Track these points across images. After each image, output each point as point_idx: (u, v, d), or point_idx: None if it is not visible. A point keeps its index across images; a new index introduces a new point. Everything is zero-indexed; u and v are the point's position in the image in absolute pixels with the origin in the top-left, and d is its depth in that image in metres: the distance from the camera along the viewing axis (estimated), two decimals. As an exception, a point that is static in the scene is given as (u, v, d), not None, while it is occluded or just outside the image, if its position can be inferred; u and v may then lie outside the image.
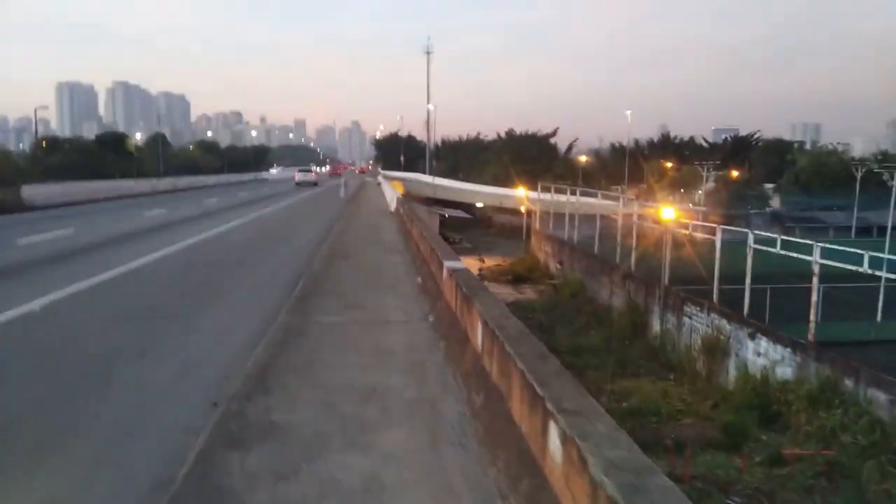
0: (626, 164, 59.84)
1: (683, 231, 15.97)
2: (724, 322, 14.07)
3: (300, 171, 59.13)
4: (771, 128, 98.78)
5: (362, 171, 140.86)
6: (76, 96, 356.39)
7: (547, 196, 29.46)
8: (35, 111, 39.15)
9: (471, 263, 33.00)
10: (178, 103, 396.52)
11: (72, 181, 34.79)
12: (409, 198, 35.72)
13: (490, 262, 32.55)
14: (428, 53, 73.63)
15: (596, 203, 25.19)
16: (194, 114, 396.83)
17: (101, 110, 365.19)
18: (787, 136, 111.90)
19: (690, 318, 15.42)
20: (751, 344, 13.08)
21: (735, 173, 61.66)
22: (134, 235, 17.02)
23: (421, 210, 34.47)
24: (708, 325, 14.57)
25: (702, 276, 16.91)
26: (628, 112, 68.97)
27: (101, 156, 52.91)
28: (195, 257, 13.62)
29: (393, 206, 25.78)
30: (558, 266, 26.05)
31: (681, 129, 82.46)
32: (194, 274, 11.83)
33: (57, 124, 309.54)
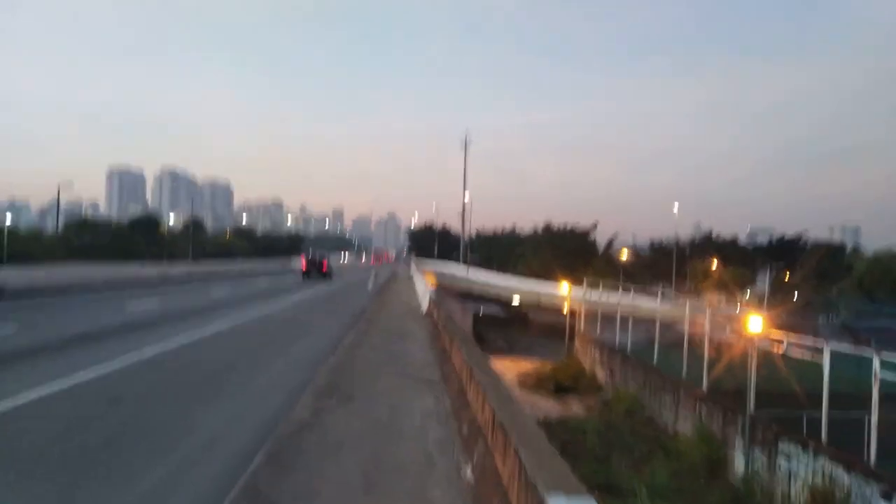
0: (673, 263, 56.95)
1: (776, 346, 13.09)
2: (839, 471, 10.97)
3: (308, 258, 45.82)
4: (808, 229, 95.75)
5: (386, 260, 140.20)
6: (125, 181, 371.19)
7: (594, 295, 26.77)
8: (58, 189, 38.57)
9: (507, 366, 30.11)
10: (222, 191, 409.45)
11: (82, 263, 33.13)
12: (441, 290, 33.40)
13: (528, 365, 29.56)
14: (465, 146, 73.41)
15: (652, 306, 22.38)
16: (237, 201, 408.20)
17: (148, 195, 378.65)
18: (824, 238, 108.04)
19: (788, 459, 12.30)
20: (885, 506, 9.93)
21: (787, 277, 58.22)
22: (78, 340, 12.79)
23: (454, 305, 32.04)
24: (816, 472, 11.45)
25: (785, 399, 13.99)
26: (675, 205, 66.59)
27: (132, 238, 52.21)
28: (123, 390, 8.73)
29: (425, 305, 21.88)
30: (608, 376, 23.02)
31: (715, 229, 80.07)
32: (96, 430, 6.73)
33: (105, 208, 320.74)
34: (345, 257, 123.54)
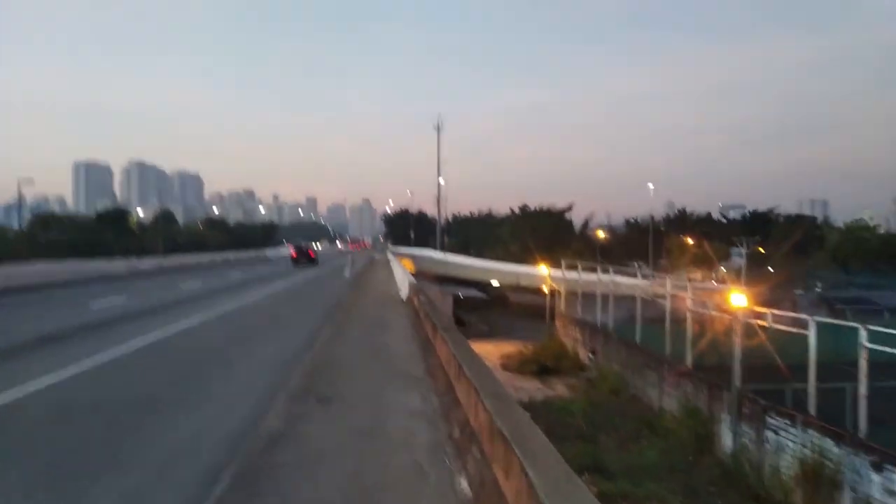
0: (650, 240, 57.16)
1: (759, 322, 12.95)
2: (829, 443, 10.89)
3: (297, 247, 52.34)
4: (777, 204, 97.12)
5: (364, 247, 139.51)
6: (92, 175, 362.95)
7: (573, 275, 26.61)
8: (19, 185, 37.22)
9: (489, 350, 29.87)
10: (192, 182, 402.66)
11: (46, 261, 31.93)
12: (419, 276, 33.00)
13: (510, 347, 29.36)
14: (438, 129, 72.74)
15: (632, 283, 22.27)
16: (208, 192, 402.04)
17: (117, 188, 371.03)
18: (795, 212, 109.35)
19: (777, 432, 12.22)
20: (876, 477, 9.85)
21: (761, 250, 58.84)
22: (25, 346, 11.61)
23: (433, 290, 31.67)
24: (805, 445, 11.37)
25: (767, 372, 13.95)
26: (650, 185, 66.84)
27: (100, 233, 50.81)
28: (68, 402, 7.70)
29: (405, 291, 20.80)
30: (590, 356, 22.91)
31: (688, 206, 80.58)
32: (30, 453, 5.94)
33: (72, 202, 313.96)
34: (318, 245, 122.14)
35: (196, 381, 9.24)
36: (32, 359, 10.44)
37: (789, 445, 11.78)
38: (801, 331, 12.15)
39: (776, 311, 12.73)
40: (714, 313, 14.78)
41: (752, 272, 43.87)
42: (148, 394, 8.18)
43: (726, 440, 13.86)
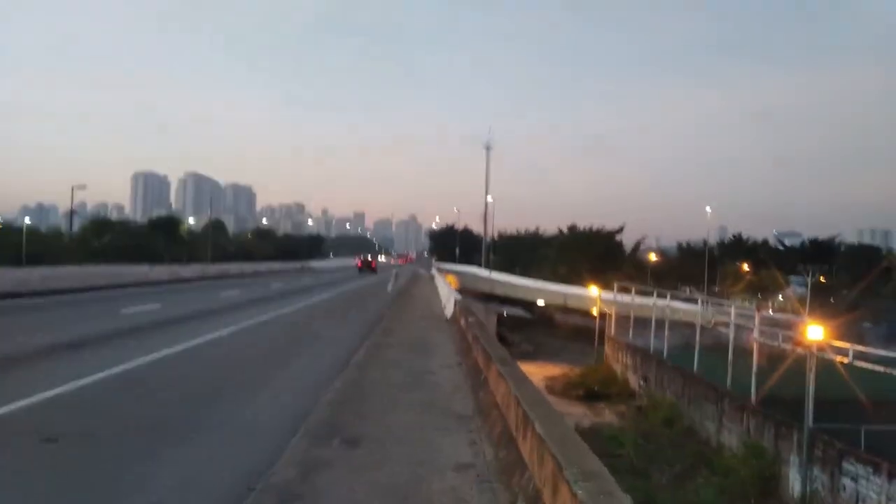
0: (705, 265, 55.13)
1: (839, 358, 11.76)
2: (920, 497, 9.65)
3: (363, 259, 66.88)
4: (834, 232, 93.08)
5: (409, 261, 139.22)
6: (150, 184, 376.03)
7: (626, 298, 25.46)
8: (72, 191, 38.12)
9: (533, 371, 28.77)
10: (245, 193, 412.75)
11: (94, 264, 32.26)
12: (463, 292, 32.30)
13: (555, 369, 28.29)
14: (487, 146, 72.29)
15: (690, 309, 21.06)
16: (260, 204, 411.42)
17: (172, 198, 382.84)
18: (856, 242, 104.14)
19: (855, 480, 10.98)
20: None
21: (822, 279, 56.15)
22: (34, 355, 10.64)
23: (477, 307, 30.90)
24: (892, 499, 10.13)
25: (835, 410, 12.70)
26: (708, 209, 64.72)
27: (152, 239, 51.83)
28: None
29: (450, 309, 19.49)
30: (642, 383, 21.70)
31: (741, 232, 77.55)
32: None
33: (130, 210, 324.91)
34: (381, 258, 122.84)
35: (205, 406, 7.95)
36: (22, 372, 9.26)
37: (871, 497, 10.55)
38: (889, 370, 10.93)
39: (860, 347, 11.53)
40: (786, 346, 13.58)
41: (814, 302, 41.67)
42: (139, 424, 6.84)
43: (794, 484, 12.63)
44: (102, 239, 50.32)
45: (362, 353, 12.09)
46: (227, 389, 9.04)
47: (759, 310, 15.63)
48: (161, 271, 34.19)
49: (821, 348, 12.34)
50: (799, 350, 12.87)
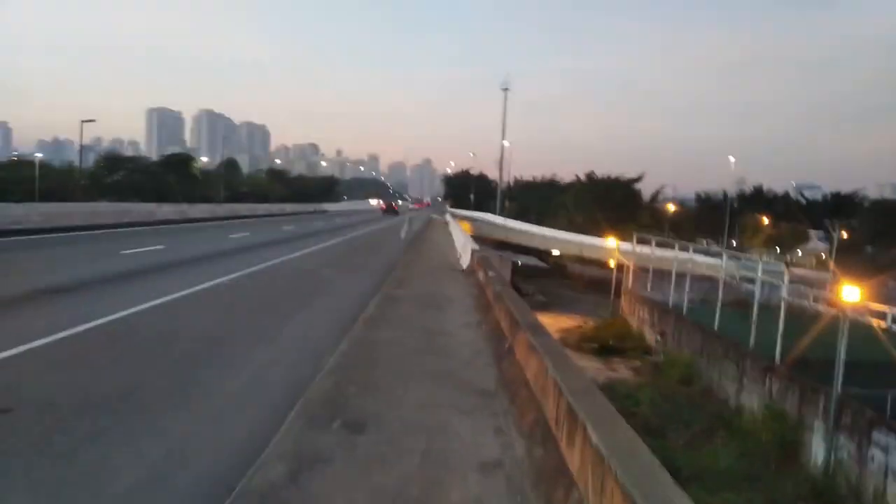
0: (726, 217, 53.93)
1: (877, 321, 11.09)
2: (958, 473, 9.12)
3: (387, 202, 79.04)
4: (855, 186, 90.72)
5: (427, 206, 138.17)
6: (164, 121, 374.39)
7: (645, 250, 24.71)
8: (81, 125, 37.35)
9: (546, 322, 28.38)
10: (259, 133, 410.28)
11: (104, 201, 31.70)
12: (477, 240, 31.67)
13: (569, 321, 27.87)
14: (505, 89, 70.40)
15: (712, 263, 20.31)
16: (274, 144, 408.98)
17: (187, 135, 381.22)
18: (873, 195, 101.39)
19: (886, 452, 10.46)
20: None
21: (845, 235, 54.79)
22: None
23: (492, 255, 30.29)
24: (926, 472, 9.62)
25: (858, 370, 12.11)
26: (731, 158, 62.97)
27: (164, 176, 51.33)
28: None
29: (466, 259, 18.37)
30: (658, 338, 21.19)
31: (759, 183, 75.56)
32: None
33: (145, 147, 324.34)
34: (401, 201, 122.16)
35: (191, 369, 6.92)
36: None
37: (903, 469, 10.04)
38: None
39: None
40: (817, 306, 12.90)
41: (838, 259, 40.60)
42: (109, 392, 5.83)
43: (817, 452, 12.15)
44: (114, 175, 49.88)
45: (372, 307, 11.13)
46: (222, 348, 7.95)
47: (787, 266, 14.84)
48: (168, 210, 33.26)
49: (856, 310, 11.67)
50: (832, 311, 12.21)
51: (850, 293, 11.14)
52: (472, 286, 14.48)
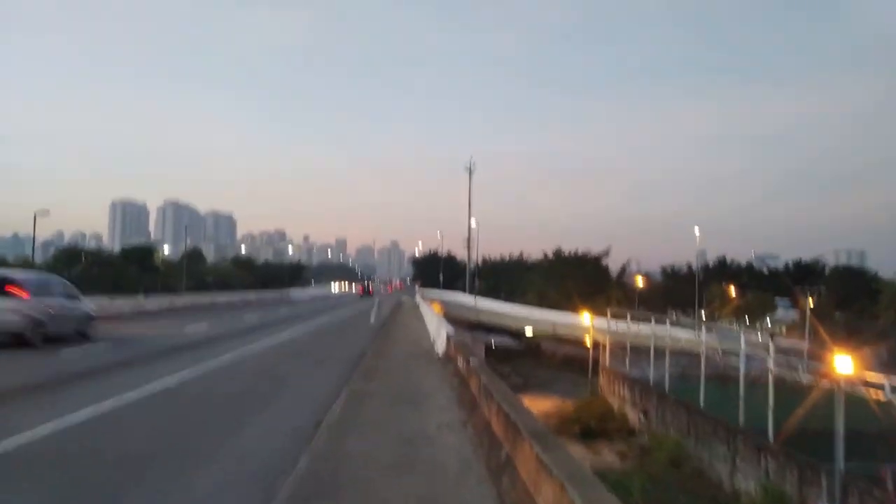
0: (696, 288, 54.33)
1: (872, 392, 10.61)
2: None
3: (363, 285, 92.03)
4: (813, 254, 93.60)
5: (400, 289, 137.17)
6: (128, 213, 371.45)
7: (622, 325, 24.28)
8: (34, 218, 36.32)
9: (526, 404, 27.55)
10: (225, 222, 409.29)
11: None
12: (449, 322, 30.99)
13: (547, 403, 26.93)
14: (469, 171, 71.68)
15: (691, 337, 19.91)
16: (240, 232, 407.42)
17: (151, 227, 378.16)
18: (831, 263, 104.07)
19: (902, 535, 9.74)
20: None
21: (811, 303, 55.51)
22: None
23: (465, 337, 29.53)
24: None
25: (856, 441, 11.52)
26: (696, 230, 64.08)
27: (125, 269, 49.96)
28: None
29: (441, 345, 16.94)
30: (642, 418, 20.43)
31: (721, 254, 77.24)
32: None
33: (108, 240, 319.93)
34: (343, 287, 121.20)
35: None
36: None
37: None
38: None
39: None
40: (805, 378, 12.42)
41: (803, 327, 40.74)
42: None
43: (825, 536, 11.35)
44: (72, 269, 48.36)
45: (338, 408, 9.69)
46: (150, 472, 6.36)
47: (773, 338, 14.44)
48: (122, 304, 31.61)
49: (851, 382, 11.20)
50: (825, 384, 11.73)
51: (844, 364, 10.69)
52: (450, 376, 13.26)
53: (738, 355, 16.46)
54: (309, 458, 6.82)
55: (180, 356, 15.67)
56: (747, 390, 15.01)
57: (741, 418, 14.98)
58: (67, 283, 19.30)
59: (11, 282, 16.40)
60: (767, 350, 14.64)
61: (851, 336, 27.21)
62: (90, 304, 19.65)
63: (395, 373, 14.13)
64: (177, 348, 17.61)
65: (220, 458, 7.00)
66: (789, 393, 14.63)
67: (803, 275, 74.80)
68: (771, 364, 13.76)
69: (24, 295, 15.97)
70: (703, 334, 18.86)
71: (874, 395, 10.77)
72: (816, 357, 18.13)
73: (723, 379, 19.14)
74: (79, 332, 17.85)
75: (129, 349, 17.42)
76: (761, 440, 13.64)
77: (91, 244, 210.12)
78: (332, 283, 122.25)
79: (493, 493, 5.79)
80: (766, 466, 13.33)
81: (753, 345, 16.36)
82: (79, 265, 48.48)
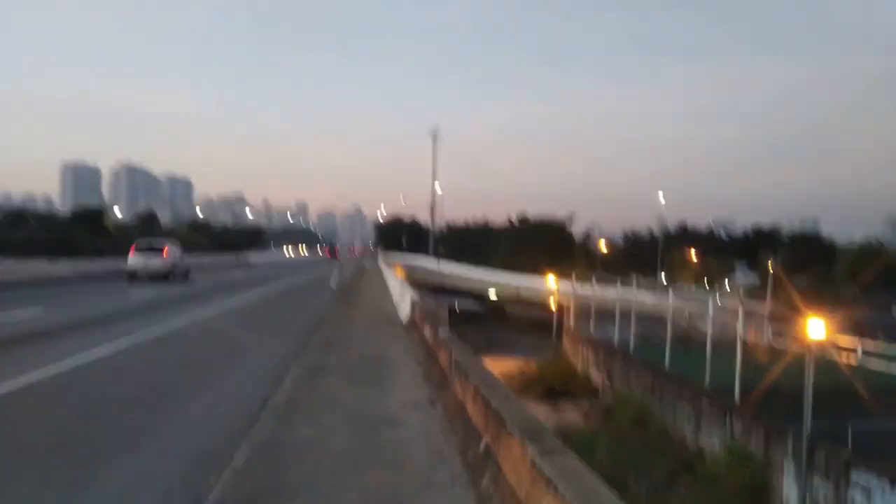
0: (658, 253, 54.80)
1: (846, 356, 10.46)
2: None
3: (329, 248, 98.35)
4: (766, 221, 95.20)
5: (366, 254, 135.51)
6: (80, 176, 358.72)
7: (587, 289, 24.07)
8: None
9: (489, 365, 27.35)
10: (182, 186, 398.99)
11: None
12: (412, 285, 30.50)
13: (510, 364, 26.76)
14: (434, 135, 70.54)
15: (657, 301, 19.77)
16: (198, 195, 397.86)
17: (105, 190, 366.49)
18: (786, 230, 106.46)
19: (868, 495, 9.66)
20: None
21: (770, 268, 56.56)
22: None
23: (428, 301, 29.06)
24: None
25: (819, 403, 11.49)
26: (661, 196, 64.38)
27: (74, 232, 47.87)
28: None
29: (405, 310, 16.30)
30: (605, 380, 20.34)
31: (677, 221, 78.01)
32: None
33: (60, 203, 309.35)
34: (303, 250, 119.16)
35: None
36: None
37: (888, 512, 9.24)
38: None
39: (870, 346, 10.23)
40: (774, 342, 12.26)
41: (762, 291, 41.37)
42: None
43: (790, 495, 11.31)
44: (18, 232, 46.20)
45: (289, 383, 8.64)
46: (66, 464, 5.39)
47: (742, 302, 14.28)
48: (64, 267, 29.95)
49: (822, 346, 11.02)
50: (795, 348, 11.57)
51: (816, 328, 10.47)
52: (415, 345, 12.25)
53: (702, 318, 16.39)
54: (248, 451, 5.70)
55: (122, 323, 14.34)
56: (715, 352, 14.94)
57: (707, 379, 14.90)
58: (180, 248, 32.81)
59: (161, 248, 30.40)
60: (734, 313, 14.52)
61: (813, 300, 27.48)
62: (190, 261, 34.35)
63: (355, 341, 12.98)
64: (112, 317, 15.80)
65: (142, 449, 5.86)
66: (752, 355, 14.58)
67: (761, 240, 76.27)
68: (739, 327, 13.60)
69: (167, 253, 30.03)
70: (671, 297, 18.69)
71: (846, 359, 10.56)
72: (778, 319, 18.22)
73: (685, 341, 19.15)
74: (184, 276, 31.58)
75: (65, 316, 16.19)
76: (727, 401, 13.56)
77: (41, 207, 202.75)
78: (286, 246, 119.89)
79: (471, 497, 4.75)
80: (731, 426, 13.27)
81: (717, 308, 16.25)
82: (22, 227, 46.21)
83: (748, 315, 17.14)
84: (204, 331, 14.49)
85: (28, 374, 8.53)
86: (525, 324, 38.37)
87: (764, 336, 13.01)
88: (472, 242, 72.12)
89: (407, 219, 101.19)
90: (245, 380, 9.52)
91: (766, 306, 19.50)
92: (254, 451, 5.71)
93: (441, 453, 5.79)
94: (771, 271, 37.36)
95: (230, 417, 7.10)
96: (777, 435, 11.83)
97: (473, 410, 5.90)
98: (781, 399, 13.01)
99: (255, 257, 71.31)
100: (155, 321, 14.96)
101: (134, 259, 28.71)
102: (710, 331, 14.81)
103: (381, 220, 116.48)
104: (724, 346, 15.15)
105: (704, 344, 15.54)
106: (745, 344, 13.65)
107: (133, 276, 28.11)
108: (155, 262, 28.86)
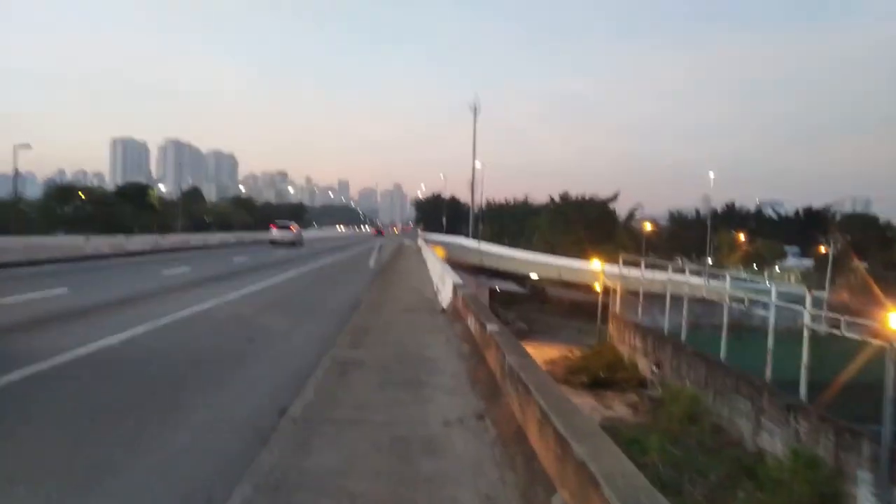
0: (708, 234, 52.90)
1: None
2: None
3: (376, 227, 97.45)
4: (817, 201, 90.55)
5: (406, 231, 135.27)
6: (129, 151, 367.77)
7: (635, 272, 22.99)
8: (14, 151, 34.60)
9: (530, 352, 26.57)
10: (227, 162, 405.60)
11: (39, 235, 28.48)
12: (450, 264, 29.77)
13: (553, 351, 25.96)
14: (474, 109, 69.11)
15: (712, 286, 18.63)
16: (242, 172, 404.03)
17: (153, 166, 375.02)
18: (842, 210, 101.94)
19: (962, 512, 8.63)
20: None
21: (823, 251, 54.12)
22: None
23: (468, 281, 28.32)
24: None
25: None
26: (711, 174, 62.19)
27: (119, 208, 48.52)
28: None
29: (446, 296, 14.67)
30: (654, 369, 19.34)
31: (730, 200, 75.00)
32: None
33: (110, 179, 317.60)
34: (355, 228, 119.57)
35: None
36: None
37: None
38: None
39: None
40: (848, 334, 11.14)
41: (822, 276, 39.41)
42: None
43: (865, 505, 10.30)
44: (67, 207, 47.02)
45: (312, 388, 7.09)
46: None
47: (810, 290, 13.13)
48: (100, 243, 28.92)
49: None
50: (875, 342, 10.47)
51: (899, 320, 9.38)
52: (458, 339, 10.69)
53: (763, 305, 15.26)
54: (248, 490, 4.25)
55: (146, 306, 13.22)
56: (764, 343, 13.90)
57: (768, 373, 13.84)
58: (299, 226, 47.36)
59: (289, 224, 46.35)
60: (802, 302, 13.38)
61: (880, 288, 25.84)
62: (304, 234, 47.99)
63: (390, 332, 11.48)
64: (136, 299, 14.46)
65: (134, 474, 4.63)
66: (818, 347, 13.45)
67: (813, 222, 73.19)
68: (807, 318, 12.48)
69: (294, 229, 45.22)
70: (728, 282, 17.54)
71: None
72: (840, 309, 16.89)
73: (737, 329, 17.95)
74: (301, 243, 44.39)
75: (92, 297, 14.47)
76: (792, 398, 12.52)
77: (93, 182, 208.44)
78: (339, 225, 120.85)
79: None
80: (797, 427, 12.23)
81: (768, 293, 15.09)
82: (71, 203, 46.99)
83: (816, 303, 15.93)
84: (234, 315, 12.95)
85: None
86: (567, 307, 37.37)
87: (841, 330, 11.84)
88: (512, 222, 71.01)
89: (447, 197, 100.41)
90: (268, 376, 8.20)
91: (832, 294, 18.15)
92: (254, 491, 4.25)
93: (496, 502, 4.27)
94: (830, 255, 35.37)
95: (237, 434, 5.80)
96: (851, 438, 10.78)
97: (540, 445, 4.43)
98: (850, 398, 11.98)
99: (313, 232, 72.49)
100: (186, 303, 13.76)
101: (274, 232, 43.64)
102: (772, 320, 13.70)
103: (421, 198, 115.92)
104: (784, 337, 14.09)
105: (759, 333, 14.47)
106: (813, 335, 12.55)
107: (273, 243, 42.12)
108: (287, 234, 43.49)
